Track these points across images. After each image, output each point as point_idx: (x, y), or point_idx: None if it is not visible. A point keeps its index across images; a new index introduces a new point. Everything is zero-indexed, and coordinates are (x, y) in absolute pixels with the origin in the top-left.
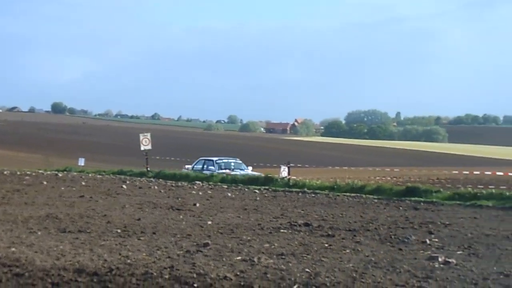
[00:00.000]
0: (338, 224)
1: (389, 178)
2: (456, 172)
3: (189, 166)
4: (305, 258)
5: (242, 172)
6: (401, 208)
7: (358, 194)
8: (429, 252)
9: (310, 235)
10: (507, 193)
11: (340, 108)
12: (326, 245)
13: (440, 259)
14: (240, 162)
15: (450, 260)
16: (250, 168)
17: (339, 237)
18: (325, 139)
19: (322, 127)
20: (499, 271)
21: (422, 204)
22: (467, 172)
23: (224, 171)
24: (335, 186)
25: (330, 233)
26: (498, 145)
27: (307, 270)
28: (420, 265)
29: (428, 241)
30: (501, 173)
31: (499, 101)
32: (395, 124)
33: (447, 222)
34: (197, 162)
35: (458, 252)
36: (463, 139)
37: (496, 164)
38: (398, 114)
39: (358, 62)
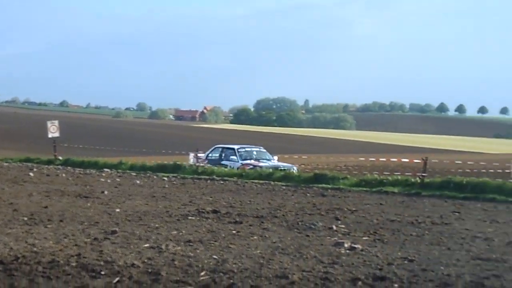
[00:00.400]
0: (246, 211)
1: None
2: (363, 159)
3: (202, 155)
4: (212, 245)
5: (268, 163)
6: (308, 194)
7: (267, 181)
8: (335, 238)
9: (218, 222)
10: (412, 180)
11: (249, 96)
12: (234, 232)
13: (346, 245)
14: (264, 151)
15: (356, 245)
16: (276, 157)
17: (247, 224)
18: (234, 126)
19: (231, 115)
20: (404, 256)
21: (329, 190)
22: (373, 159)
23: (248, 162)
24: (244, 173)
25: (238, 220)
26: (404, 132)
27: (214, 257)
28: (326, 251)
29: (334, 227)
30: (406, 160)
31: (405, 89)
32: (303, 111)
33: (354, 209)
34: (212, 150)
35: (364, 238)
36: (370, 126)
37: (402, 151)
38: (306, 101)
39: (266, 49)
